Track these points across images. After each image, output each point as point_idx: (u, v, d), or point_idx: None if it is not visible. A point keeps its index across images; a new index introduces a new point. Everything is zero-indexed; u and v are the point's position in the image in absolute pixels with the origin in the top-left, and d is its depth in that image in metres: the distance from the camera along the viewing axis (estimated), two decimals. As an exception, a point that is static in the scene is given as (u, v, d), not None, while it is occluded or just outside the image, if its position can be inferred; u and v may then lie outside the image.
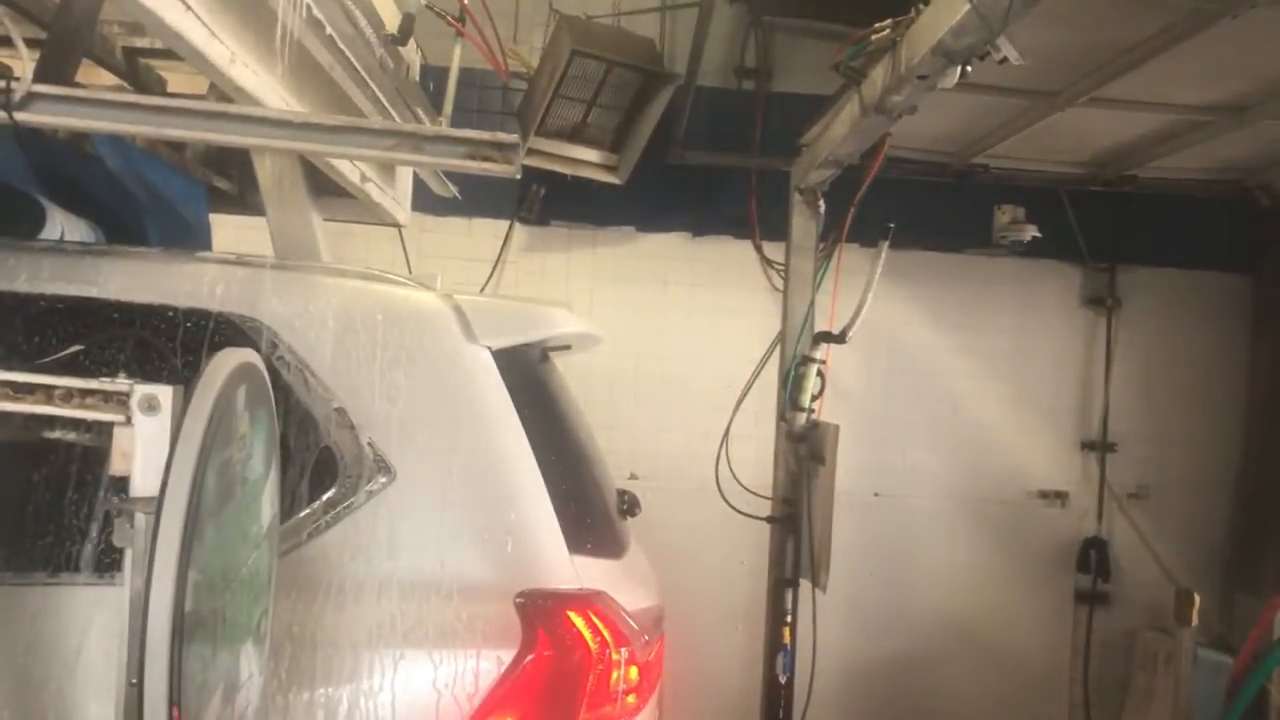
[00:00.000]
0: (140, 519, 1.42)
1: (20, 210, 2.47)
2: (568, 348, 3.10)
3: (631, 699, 2.24)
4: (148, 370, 2.10)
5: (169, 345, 2.13)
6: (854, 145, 4.04)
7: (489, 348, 2.32)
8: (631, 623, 2.30)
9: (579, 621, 2.17)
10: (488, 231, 5.61)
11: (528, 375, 2.64)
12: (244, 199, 3.84)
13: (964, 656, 5.76)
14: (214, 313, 2.18)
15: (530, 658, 2.11)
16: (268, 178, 3.26)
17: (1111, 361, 5.83)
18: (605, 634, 2.18)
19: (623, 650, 2.20)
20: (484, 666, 2.09)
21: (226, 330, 2.17)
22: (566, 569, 2.26)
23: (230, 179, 3.76)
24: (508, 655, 2.11)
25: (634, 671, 2.24)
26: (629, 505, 3.52)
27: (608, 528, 2.93)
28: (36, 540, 1.99)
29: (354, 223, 4.50)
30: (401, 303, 2.33)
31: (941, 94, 3.35)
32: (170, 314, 2.17)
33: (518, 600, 2.14)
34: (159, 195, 3.00)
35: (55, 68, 2.38)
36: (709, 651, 5.33)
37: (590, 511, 2.78)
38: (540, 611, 2.15)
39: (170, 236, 3.02)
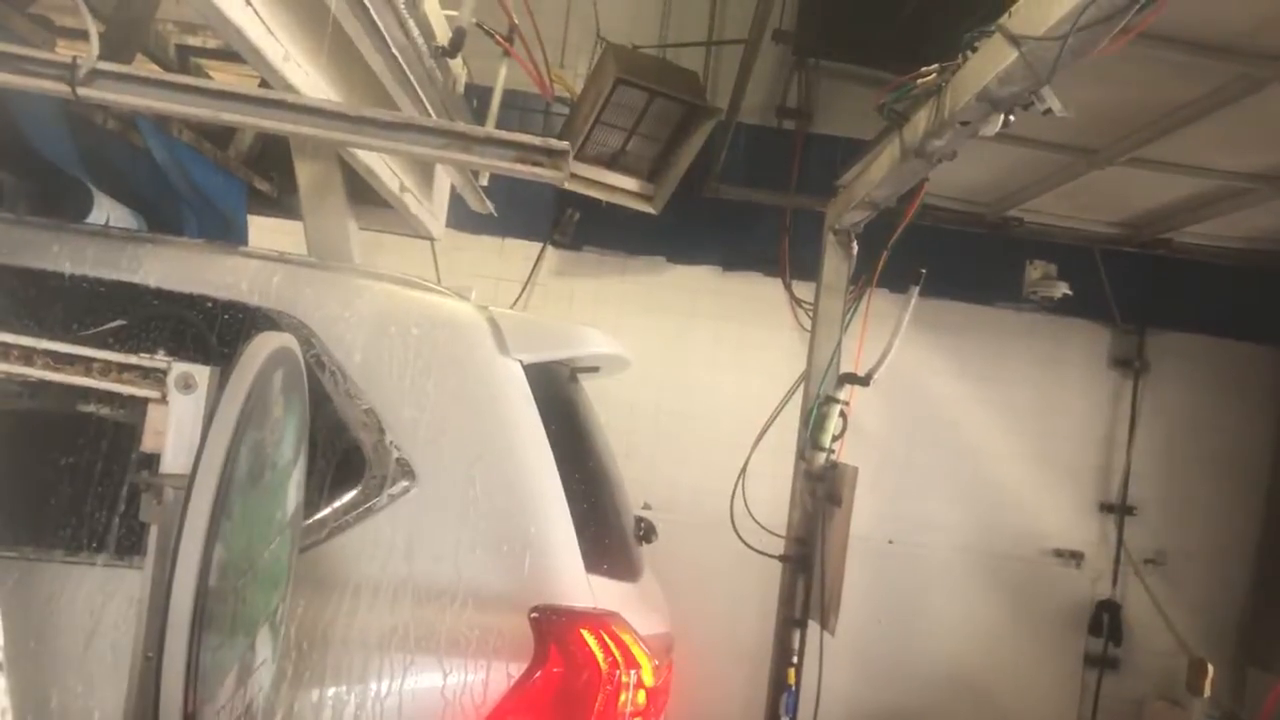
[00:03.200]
0: (169, 494, 1.42)
1: (69, 194, 2.51)
2: (596, 369, 3.10)
3: (637, 722, 2.22)
4: (182, 358, 2.11)
5: (205, 335, 2.14)
6: (891, 188, 4.04)
7: (520, 361, 2.32)
8: (644, 646, 2.28)
9: (591, 640, 2.15)
10: (520, 252, 5.64)
11: (556, 393, 2.64)
12: (282, 202, 3.88)
13: (968, 714, 5.68)
14: (253, 306, 2.20)
15: (540, 673, 2.09)
16: (307, 181, 3.29)
17: (1135, 424, 5.79)
18: (617, 655, 2.17)
19: (633, 673, 2.18)
20: (494, 678, 2.07)
21: (264, 325, 2.18)
22: (582, 587, 2.25)
23: (271, 181, 3.80)
24: (518, 668, 2.09)
25: (642, 695, 2.22)
26: (645, 531, 3.50)
27: (625, 551, 2.92)
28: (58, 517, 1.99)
29: (387, 233, 4.51)
30: (437, 311, 2.34)
31: (981, 144, 3.36)
32: (209, 305, 2.19)
33: (532, 615, 2.13)
34: (200, 190, 3.04)
35: (113, 55, 2.41)
36: (713, 686, 5.26)
37: (609, 533, 2.77)
38: (554, 627, 2.13)
39: (208, 231, 3.06)
